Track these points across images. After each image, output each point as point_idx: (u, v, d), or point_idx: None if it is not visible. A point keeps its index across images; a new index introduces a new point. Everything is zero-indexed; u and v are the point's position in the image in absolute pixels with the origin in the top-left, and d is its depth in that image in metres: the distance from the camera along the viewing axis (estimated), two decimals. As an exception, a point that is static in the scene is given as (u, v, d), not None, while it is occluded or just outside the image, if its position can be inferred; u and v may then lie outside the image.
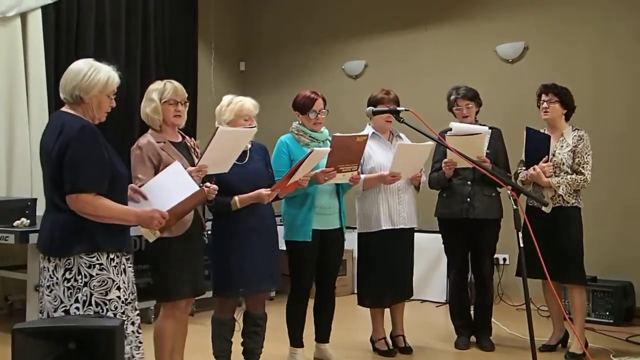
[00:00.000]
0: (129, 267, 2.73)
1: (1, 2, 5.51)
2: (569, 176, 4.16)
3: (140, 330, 2.76)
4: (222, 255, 3.52)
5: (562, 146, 4.23)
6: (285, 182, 3.54)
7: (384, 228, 4.15)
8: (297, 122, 4.00)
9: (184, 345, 3.49)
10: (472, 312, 4.57)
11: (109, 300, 2.59)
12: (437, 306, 5.90)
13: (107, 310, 2.57)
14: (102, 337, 2.34)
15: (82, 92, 2.61)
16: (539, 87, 4.34)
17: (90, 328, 2.36)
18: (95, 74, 2.62)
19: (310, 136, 3.95)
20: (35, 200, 4.91)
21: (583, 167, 4.17)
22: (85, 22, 6.15)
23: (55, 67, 5.91)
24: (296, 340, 4.03)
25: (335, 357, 4.13)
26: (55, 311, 2.58)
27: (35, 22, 5.73)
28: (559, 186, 4.13)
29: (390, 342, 4.39)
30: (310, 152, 3.51)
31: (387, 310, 4.40)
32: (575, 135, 4.23)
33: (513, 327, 4.82)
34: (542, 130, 4.31)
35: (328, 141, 3.93)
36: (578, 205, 4.19)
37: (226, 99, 3.66)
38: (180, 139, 3.42)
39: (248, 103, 3.62)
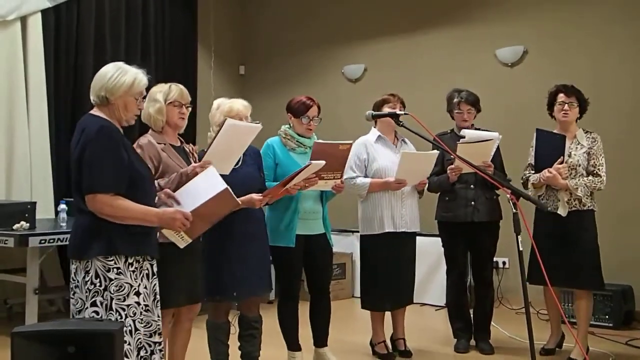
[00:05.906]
0: (154, 272, 2.67)
1: (1, 6, 5.51)
2: (585, 178, 4.06)
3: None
4: (214, 259, 3.49)
5: (576, 148, 4.12)
6: (278, 189, 3.54)
7: (387, 231, 4.15)
8: (286, 126, 3.99)
9: (185, 352, 3.47)
10: (471, 315, 4.57)
11: (127, 306, 2.54)
12: (436, 309, 5.89)
13: (126, 317, 2.53)
14: (101, 341, 2.34)
15: (108, 93, 2.61)
16: (556, 87, 4.21)
17: (89, 331, 2.36)
18: (121, 75, 2.62)
19: (297, 141, 3.93)
20: (34, 203, 4.91)
21: (599, 169, 4.08)
22: (85, 26, 6.16)
23: (55, 71, 5.93)
24: (292, 344, 4.00)
25: (334, 360, 4.12)
26: (79, 313, 2.56)
27: (35, 25, 5.74)
28: (577, 188, 4.00)
29: (389, 345, 4.39)
30: (308, 165, 3.50)
31: (387, 314, 4.40)
32: (589, 137, 4.15)
33: (512, 331, 4.81)
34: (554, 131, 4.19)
35: None
36: (593, 209, 4.10)
37: (216, 102, 3.65)
38: (179, 143, 3.41)
39: (237, 103, 3.60)
